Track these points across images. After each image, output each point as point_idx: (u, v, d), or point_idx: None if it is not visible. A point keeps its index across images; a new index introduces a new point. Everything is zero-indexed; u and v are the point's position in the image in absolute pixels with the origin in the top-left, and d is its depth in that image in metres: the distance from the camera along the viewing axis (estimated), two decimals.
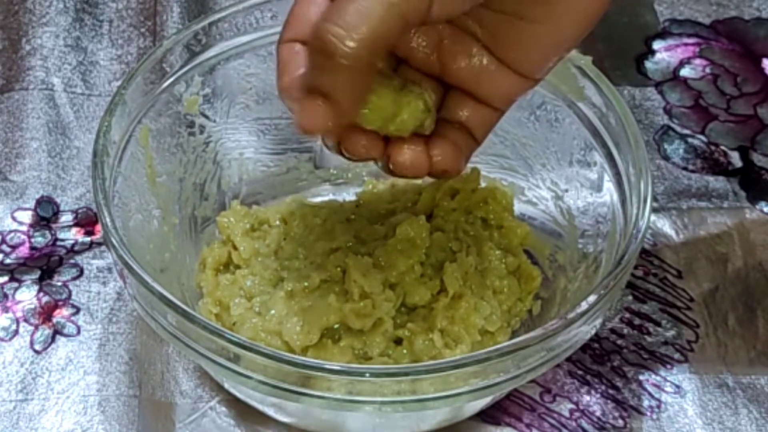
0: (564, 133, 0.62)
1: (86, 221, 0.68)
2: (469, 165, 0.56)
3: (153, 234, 0.60)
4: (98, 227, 0.67)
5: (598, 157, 0.60)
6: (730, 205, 0.70)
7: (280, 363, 0.50)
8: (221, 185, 0.65)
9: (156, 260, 0.59)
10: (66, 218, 0.68)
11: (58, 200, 0.69)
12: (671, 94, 0.76)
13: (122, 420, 0.59)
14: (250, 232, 0.63)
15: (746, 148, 0.73)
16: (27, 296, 0.64)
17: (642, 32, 0.79)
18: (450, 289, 0.58)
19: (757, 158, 0.72)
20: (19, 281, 0.65)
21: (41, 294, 0.64)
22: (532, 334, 0.51)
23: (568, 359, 0.57)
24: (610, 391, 0.62)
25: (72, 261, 0.66)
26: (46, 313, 0.64)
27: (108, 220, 0.54)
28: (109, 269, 0.65)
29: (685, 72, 0.77)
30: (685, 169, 0.72)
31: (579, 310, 0.52)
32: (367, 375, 0.50)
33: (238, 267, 0.61)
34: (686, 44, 0.78)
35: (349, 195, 0.66)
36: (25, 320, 0.63)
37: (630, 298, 0.65)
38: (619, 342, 0.64)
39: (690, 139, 0.73)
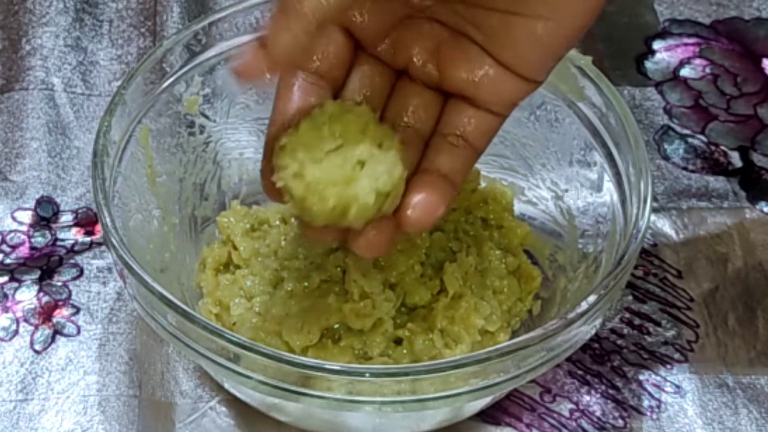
0: (564, 133, 0.62)
1: (86, 221, 0.68)
2: None
3: (153, 234, 0.60)
4: (98, 227, 0.67)
5: (598, 157, 0.60)
6: (730, 205, 0.70)
7: (280, 363, 0.50)
8: (221, 185, 0.65)
9: (156, 260, 0.59)
10: (66, 218, 0.68)
11: (58, 200, 0.69)
12: (671, 94, 0.76)
13: (122, 420, 0.59)
14: (250, 232, 0.63)
15: (746, 148, 0.73)
16: (27, 296, 0.64)
17: (642, 32, 0.79)
18: (450, 289, 0.58)
19: (757, 158, 0.72)
20: (19, 281, 0.65)
21: (41, 294, 0.64)
22: (532, 334, 0.51)
23: (568, 359, 0.57)
24: (610, 391, 0.62)
25: (72, 261, 0.66)
26: (46, 313, 0.64)
27: (108, 220, 0.54)
28: (109, 269, 0.65)
29: (685, 72, 0.77)
30: (685, 169, 0.72)
31: (579, 310, 0.52)
32: (367, 375, 0.50)
33: (238, 267, 0.62)
34: (686, 44, 0.78)
35: None
36: (25, 320, 0.63)
37: (630, 298, 0.65)
38: (619, 342, 0.64)
39: (690, 139, 0.73)
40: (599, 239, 0.59)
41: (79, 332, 0.63)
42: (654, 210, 0.65)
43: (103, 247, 0.66)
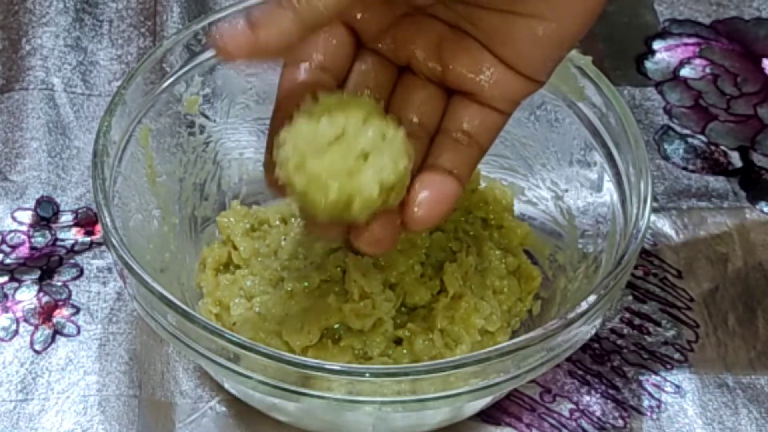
0: (564, 133, 0.62)
1: (86, 221, 0.68)
2: None
3: (153, 234, 0.60)
4: (98, 227, 0.67)
5: (598, 157, 0.60)
6: (730, 205, 0.70)
7: (280, 363, 0.50)
8: (221, 185, 0.65)
9: (156, 260, 0.59)
10: (66, 218, 0.68)
11: (58, 200, 0.69)
12: (671, 94, 0.76)
13: (122, 420, 0.59)
14: (250, 232, 0.63)
15: (746, 148, 0.73)
16: (27, 296, 0.64)
17: (642, 32, 0.79)
18: (450, 289, 0.58)
19: (757, 158, 0.72)
20: (19, 281, 0.65)
21: (41, 294, 0.64)
22: (532, 334, 0.51)
23: (568, 359, 0.57)
24: (610, 391, 0.62)
25: (72, 261, 0.66)
26: (46, 313, 0.64)
27: (108, 220, 0.54)
28: (109, 269, 0.65)
29: (685, 72, 0.77)
30: (685, 169, 0.72)
31: (579, 310, 0.52)
32: (367, 375, 0.50)
33: (238, 267, 0.62)
34: (686, 44, 0.78)
35: None
36: (25, 320, 0.63)
37: (630, 298, 0.65)
38: (619, 342, 0.64)
39: (690, 139, 0.73)
40: (599, 239, 0.59)
41: (79, 332, 0.63)
42: (654, 210, 0.65)
43: (103, 247, 0.66)
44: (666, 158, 0.72)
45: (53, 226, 0.68)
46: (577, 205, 0.62)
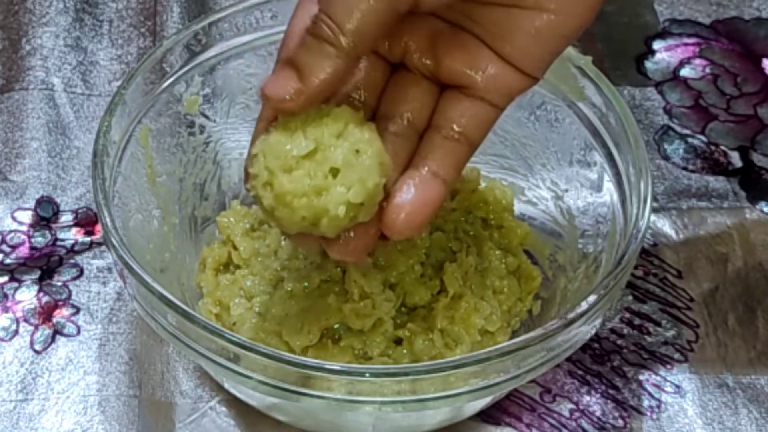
0: (564, 133, 0.62)
1: (86, 221, 0.68)
2: (469, 165, 0.55)
3: (153, 234, 0.60)
4: (98, 227, 0.67)
5: (598, 157, 0.60)
6: (730, 205, 0.70)
7: (280, 363, 0.50)
8: (221, 185, 0.65)
9: (156, 260, 0.59)
10: (66, 218, 0.68)
11: (58, 200, 0.69)
12: (671, 94, 0.76)
13: (122, 420, 0.59)
14: (250, 232, 0.63)
15: (746, 148, 0.73)
16: (27, 296, 0.64)
17: (642, 32, 0.79)
18: (450, 289, 0.58)
19: (757, 158, 0.72)
20: (19, 281, 0.65)
21: (41, 294, 0.64)
22: (532, 334, 0.51)
23: (568, 359, 0.57)
24: (610, 391, 0.62)
25: (72, 261, 0.66)
26: (46, 313, 0.64)
27: (108, 220, 0.54)
28: (109, 269, 0.65)
29: (685, 72, 0.77)
30: (685, 169, 0.72)
31: (579, 310, 0.52)
32: (367, 375, 0.50)
33: (238, 267, 0.62)
34: (686, 44, 0.78)
35: None
36: (25, 320, 0.63)
37: (630, 298, 0.65)
38: (619, 342, 0.64)
39: (690, 139, 0.73)
40: (599, 239, 0.59)
41: (79, 332, 0.63)
42: (654, 210, 0.65)
43: (103, 247, 0.66)
44: (666, 158, 0.72)
45: (53, 226, 0.68)
46: (577, 205, 0.62)
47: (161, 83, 0.60)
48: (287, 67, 0.46)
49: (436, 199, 0.48)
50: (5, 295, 0.64)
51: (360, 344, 0.57)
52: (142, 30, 0.77)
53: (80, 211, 0.68)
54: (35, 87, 0.73)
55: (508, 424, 0.60)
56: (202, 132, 0.63)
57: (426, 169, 0.49)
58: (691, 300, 0.65)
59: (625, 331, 0.64)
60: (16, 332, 0.63)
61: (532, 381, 0.60)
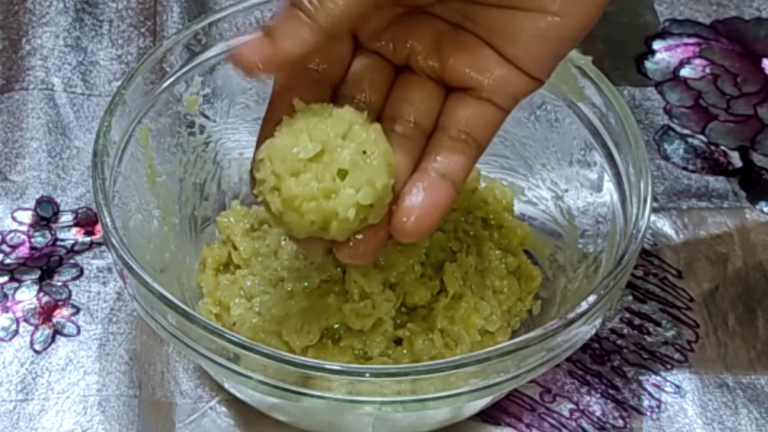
0: (564, 133, 0.62)
1: (86, 221, 0.68)
2: None
3: (153, 234, 0.60)
4: (98, 227, 0.67)
5: (598, 157, 0.60)
6: (730, 205, 0.70)
7: (280, 363, 0.50)
8: (221, 185, 0.65)
9: (156, 260, 0.59)
10: (66, 218, 0.68)
11: (58, 200, 0.69)
12: (671, 94, 0.76)
13: (122, 420, 0.59)
14: (250, 232, 0.63)
15: (746, 148, 0.73)
16: (27, 296, 0.64)
17: (642, 32, 0.79)
18: (450, 289, 0.58)
19: (757, 158, 0.72)
20: (19, 281, 0.65)
21: (41, 294, 0.64)
22: (532, 334, 0.51)
23: (568, 359, 0.57)
24: (610, 391, 0.62)
25: (72, 261, 0.66)
26: (46, 313, 0.64)
27: (108, 220, 0.54)
28: (109, 269, 0.65)
29: (685, 72, 0.77)
30: (685, 169, 0.72)
31: (579, 310, 0.52)
32: (367, 375, 0.50)
33: (238, 267, 0.62)
34: (686, 44, 0.78)
35: None
36: (25, 320, 0.63)
37: (630, 298, 0.65)
38: (619, 342, 0.64)
39: (690, 139, 0.73)
40: (599, 239, 0.59)
41: (79, 332, 0.63)
42: (654, 210, 0.65)
43: (103, 247, 0.66)
44: (666, 158, 0.72)
45: (53, 226, 0.68)
46: (577, 205, 0.62)
47: (161, 83, 0.60)
48: (262, 35, 0.46)
49: (445, 201, 0.48)
50: (5, 295, 0.64)
51: (360, 344, 0.57)
52: (142, 30, 0.77)
53: (80, 211, 0.68)
54: (35, 87, 0.73)
55: (508, 424, 0.60)
56: (202, 132, 0.63)
57: (434, 171, 0.49)
58: (691, 300, 0.65)
59: (625, 331, 0.64)
60: (16, 332, 0.63)
61: (532, 381, 0.60)
